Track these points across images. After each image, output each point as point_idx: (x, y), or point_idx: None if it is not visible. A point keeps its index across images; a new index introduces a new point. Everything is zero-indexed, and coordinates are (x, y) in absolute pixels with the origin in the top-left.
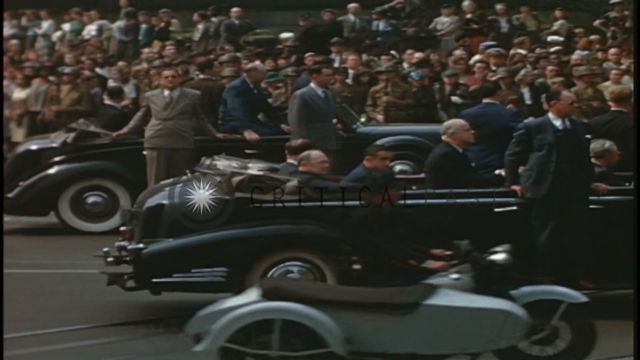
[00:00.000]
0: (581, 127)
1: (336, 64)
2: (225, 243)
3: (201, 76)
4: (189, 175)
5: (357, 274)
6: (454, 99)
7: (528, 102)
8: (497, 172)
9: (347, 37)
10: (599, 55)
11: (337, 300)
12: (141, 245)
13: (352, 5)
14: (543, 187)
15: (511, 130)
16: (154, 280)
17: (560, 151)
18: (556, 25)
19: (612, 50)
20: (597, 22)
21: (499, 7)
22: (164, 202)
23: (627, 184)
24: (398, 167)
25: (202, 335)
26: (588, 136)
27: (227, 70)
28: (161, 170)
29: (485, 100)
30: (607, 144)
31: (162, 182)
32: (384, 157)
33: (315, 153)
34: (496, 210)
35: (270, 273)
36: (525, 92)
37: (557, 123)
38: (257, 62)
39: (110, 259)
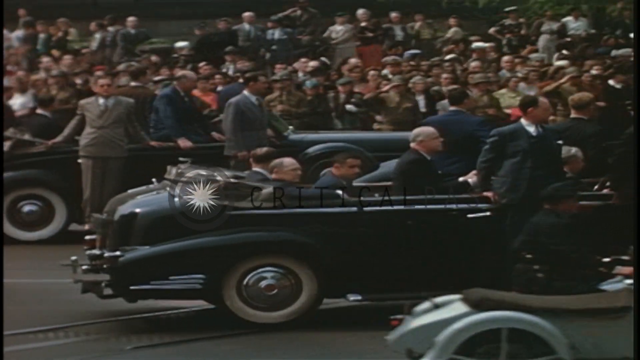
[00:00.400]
0: (553, 133)
1: (230, 72)
2: (202, 250)
3: (132, 83)
4: (156, 183)
5: (543, 282)
6: (349, 107)
7: (423, 109)
8: (460, 179)
9: (241, 46)
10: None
11: (549, 307)
12: (118, 253)
13: (247, 14)
14: (518, 193)
15: (477, 138)
16: (132, 287)
17: (534, 157)
18: (450, 32)
19: (506, 58)
20: (492, 30)
21: (393, 15)
22: (138, 210)
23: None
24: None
25: (417, 350)
26: (560, 142)
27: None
28: (96, 178)
29: (452, 108)
30: (573, 150)
31: (131, 191)
32: (352, 164)
33: (287, 160)
34: (469, 216)
35: (246, 280)
36: (421, 99)
37: (531, 130)
38: (187, 71)
39: (84, 267)
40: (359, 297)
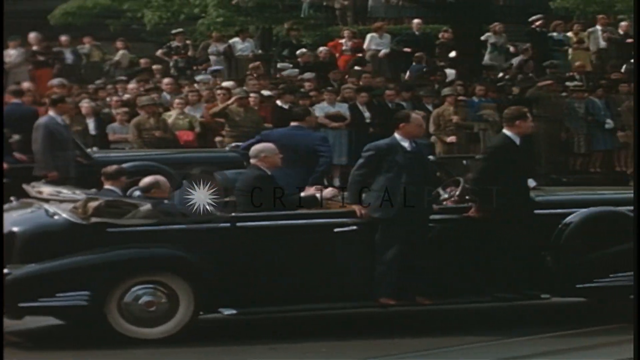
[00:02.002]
0: (425, 148)
1: None
2: (84, 267)
3: None
4: (15, 202)
5: None
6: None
7: (93, 132)
8: (302, 194)
9: None
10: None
11: None
12: (6, 271)
13: None
14: (393, 207)
15: (317, 153)
16: (20, 305)
17: (409, 172)
18: (118, 55)
19: (166, 81)
20: (159, 52)
21: (63, 38)
22: (15, 228)
23: None
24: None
25: None
26: (431, 157)
27: None
28: None
29: (293, 124)
30: None
31: None
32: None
33: (163, 179)
34: (336, 230)
35: (126, 297)
36: (91, 122)
37: (406, 144)
38: None
39: None
40: (234, 312)
